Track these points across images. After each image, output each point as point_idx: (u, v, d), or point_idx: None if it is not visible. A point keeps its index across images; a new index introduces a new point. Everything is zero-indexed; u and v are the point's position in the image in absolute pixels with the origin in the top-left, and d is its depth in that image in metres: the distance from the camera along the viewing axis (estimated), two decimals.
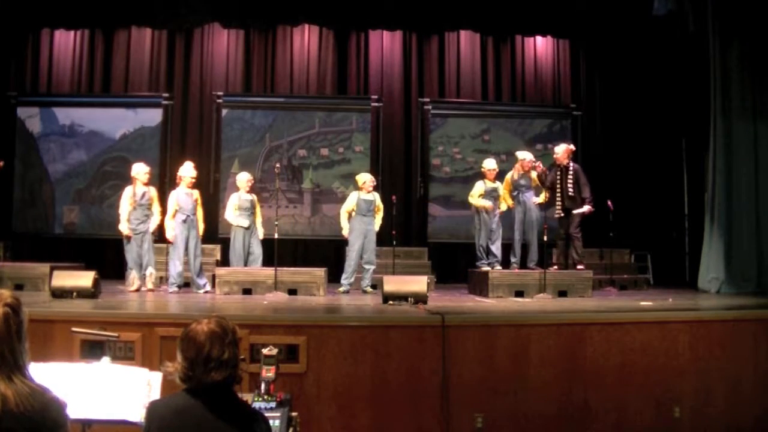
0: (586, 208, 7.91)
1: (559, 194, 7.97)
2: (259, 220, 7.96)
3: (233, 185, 10.29)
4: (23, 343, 1.81)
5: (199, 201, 7.65)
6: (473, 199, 8.12)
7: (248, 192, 7.95)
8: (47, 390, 1.80)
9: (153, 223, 7.47)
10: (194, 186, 7.64)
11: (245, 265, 7.76)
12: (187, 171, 7.60)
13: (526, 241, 8.10)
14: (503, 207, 8.19)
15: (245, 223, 7.76)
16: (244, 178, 8.01)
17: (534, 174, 8.11)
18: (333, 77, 10.84)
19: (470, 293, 7.86)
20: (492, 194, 8.11)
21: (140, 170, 7.52)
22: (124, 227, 7.37)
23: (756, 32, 8.27)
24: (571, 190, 7.93)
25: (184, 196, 7.48)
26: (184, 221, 7.41)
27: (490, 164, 8.27)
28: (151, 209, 7.49)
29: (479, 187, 8.13)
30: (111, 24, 10.66)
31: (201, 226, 7.64)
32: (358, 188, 8.03)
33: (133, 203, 7.38)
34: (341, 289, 7.72)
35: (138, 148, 10.43)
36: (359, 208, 7.84)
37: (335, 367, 4.64)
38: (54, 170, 10.43)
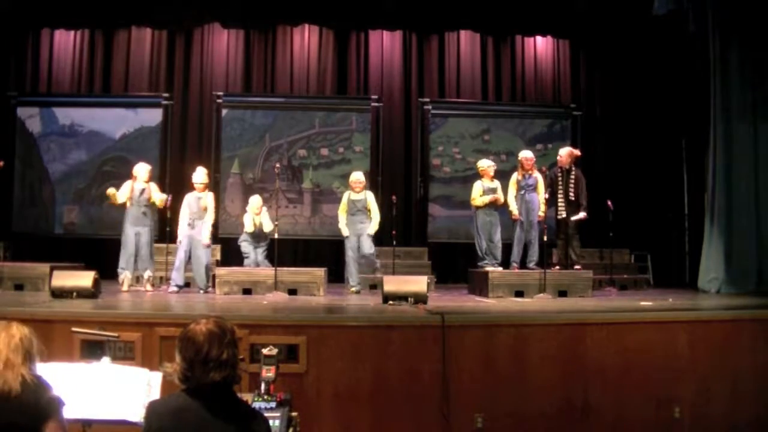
0: (582, 214, 7.92)
1: (561, 196, 7.96)
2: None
3: (234, 185, 10.32)
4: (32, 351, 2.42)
5: (209, 204, 7.59)
6: (476, 200, 8.02)
7: (257, 215, 8.31)
8: (39, 377, 2.32)
9: (160, 200, 7.65)
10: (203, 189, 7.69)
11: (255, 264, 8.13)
12: (196, 177, 7.68)
13: (526, 240, 8.08)
14: (502, 196, 8.05)
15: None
16: (256, 203, 8.36)
17: (537, 174, 8.05)
18: (333, 77, 10.85)
19: (470, 293, 7.85)
20: (492, 193, 8.04)
21: (140, 170, 7.61)
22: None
23: (756, 32, 8.26)
24: (572, 194, 7.93)
25: (193, 200, 7.54)
26: (189, 224, 7.45)
27: (485, 163, 8.18)
28: (149, 207, 7.56)
29: (478, 187, 8.06)
30: (111, 24, 10.66)
31: (208, 229, 7.57)
32: (349, 187, 8.08)
33: (130, 200, 7.48)
34: (353, 289, 7.71)
35: (138, 148, 10.41)
36: (349, 208, 7.86)
37: (335, 367, 4.64)
38: (54, 170, 10.43)
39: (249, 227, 8.21)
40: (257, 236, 8.30)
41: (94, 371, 2.85)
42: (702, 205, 8.96)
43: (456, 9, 10.71)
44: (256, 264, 8.11)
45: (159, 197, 7.64)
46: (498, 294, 7.08)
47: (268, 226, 8.22)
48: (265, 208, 8.43)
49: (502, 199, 8.02)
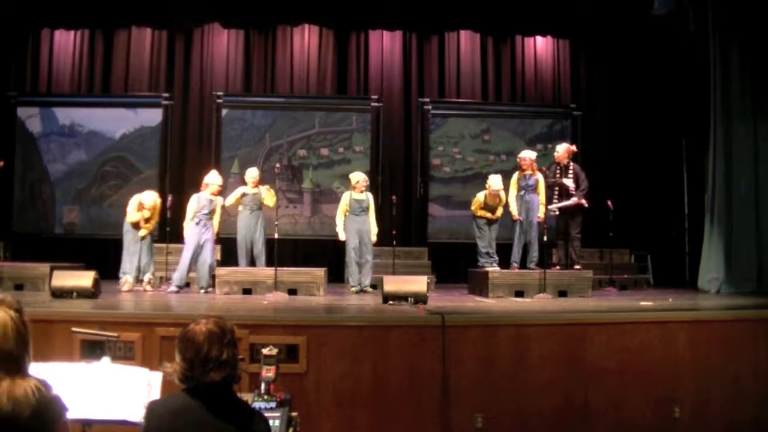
0: (573, 200, 7.90)
1: (557, 193, 7.97)
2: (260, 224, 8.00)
3: (234, 185, 10.33)
4: (28, 344, 1.91)
5: (218, 209, 7.67)
6: (476, 211, 8.16)
7: (254, 186, 7.96)
8: (45, 383, 1.89)
9: (143, 231, 7.53)
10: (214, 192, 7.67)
11: (251, 261, 7.88)
12: (214, 179, 7.66)
13: (526, 241, 8.08)
14: (500, 213, 8.14)
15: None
16: (252, 174, 8.02)
17: (539, 176, 8.04)
18: (333, 77, 10.85)
19: (470, 293, 7.85)
20: (490, 212, 8.12)
21: (147, 199, 7.60)
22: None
23: (756, 32, 8.27)
24: (572, 189, 7.93)
25: (204, 201, 7.54)
26: (198, 223, 7.46)
27: (496, 183, 8.03)
28: (151, 215, 7.60)
29: (480, 199, 8.13)
30: (111, 24, 10.66)
31: (215, 229, 7.69)
32: (351, 187, 8.01)
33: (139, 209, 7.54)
34: (353, 289, 7.71)
35: (138, 148, 10.43)
36: (351, 208, 7.83)
37: (335, 367, 4.64)
38: (54, 170, 10.42)
39: (230, 200, 7.82)
40: (252, 202, 7.85)
41: (94, 371, 2.85)
42: (702, 205, 8.96)
43: (456, 9, 10.72)
44: (251, 263, 7.91)
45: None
46: (498, 294, 7.08)
47: (270, 200, 7.86)
48: (266, 187, 8.01)
49: (499, 216, 8.12)
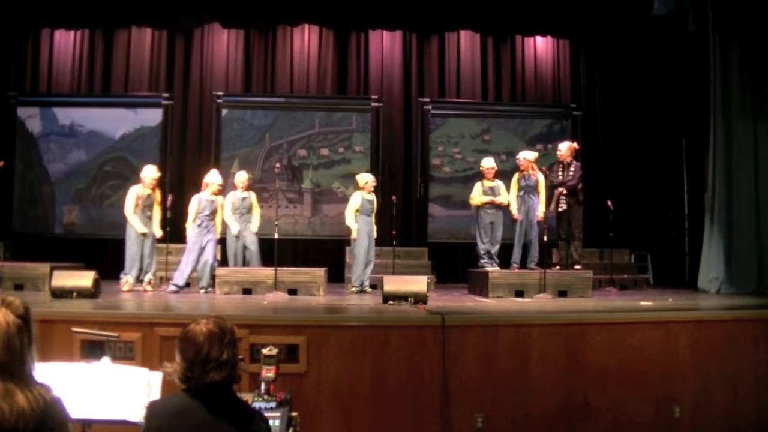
0: (555, 192, 7.92)
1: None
2: (255, 220, 7.97)
3: (233, 186, 10.32)
4: (31, 349, 1.83)
5: (219, 209, 7.68)
6: (474, 199, 8.09)
7: (244, 189, 8.02)
8: (49, 389, 1.82)
9: (156, 228, 7.52)
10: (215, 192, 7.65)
11: (243, 264, 7.83)
12: (214, 178, 7.65)
13: (526, 241, 8.08)
14: (503, 199, 8.02)
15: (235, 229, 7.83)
16: (241, 178, 8.06)
17: (540, 176, 8.03)
18: (333, 77, 10.85)
19: (470, 293, 7.85)
20: (491, 193, 8.06)
21: (148, 174, 7.56)
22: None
23: (756, 32, 8.27)
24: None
25: (205, 202, 7.52)
26: (200, 225, 7.44)
27: (488, 163, 8.21)
28: (152, 211, 7.56)
29: (478, 187, 8.12)
30: (111, 24, 10.67)
31: (218, 230, 7.70)
32: (359, 188, 8.02)
33: (137, 206, 7.46)
34: (353, 289, 7.73)
35: (138, 148, 10.43)
36: (363, 208, 7.85)
37: (335, 367, 4.64)
38: (54, 170, 10.42)
39: (227, 214, 7.76)
40: (242, 207, 7.86)
41: (94, 371, 2.85)
42: (702, 205, 8.97)
43: (456, 9, 10.72)
44: (241, 257, 7.89)
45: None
46: (498, 294, 7.08)
47: (256, 214, 7.94)
48: (253, 195, 8.10)
49: (503, 202, 8.00)
